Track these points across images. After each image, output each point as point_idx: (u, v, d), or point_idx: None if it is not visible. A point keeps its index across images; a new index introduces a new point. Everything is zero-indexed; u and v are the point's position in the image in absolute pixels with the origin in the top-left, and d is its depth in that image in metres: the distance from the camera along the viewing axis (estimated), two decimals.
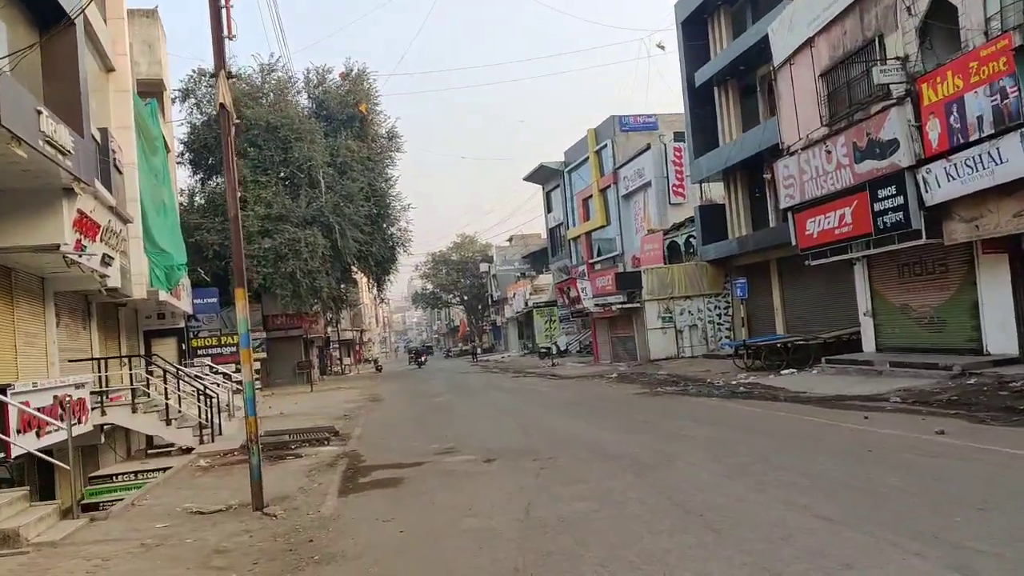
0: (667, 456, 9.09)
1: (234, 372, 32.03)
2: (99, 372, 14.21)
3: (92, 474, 12.54)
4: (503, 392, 22.99)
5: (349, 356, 63.75)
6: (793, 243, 19.06)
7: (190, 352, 29.56)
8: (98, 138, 13.22)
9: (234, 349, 34.52)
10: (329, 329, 49.56)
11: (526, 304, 53.04)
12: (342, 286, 38.16)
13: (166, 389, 14.07)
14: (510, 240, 67.91)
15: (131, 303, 18.65)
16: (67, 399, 10.70)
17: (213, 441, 13.64)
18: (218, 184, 34.53)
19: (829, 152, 16.70)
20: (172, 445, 13.75)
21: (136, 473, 12.10)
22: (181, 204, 33.94)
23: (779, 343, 19.60)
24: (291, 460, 11.48)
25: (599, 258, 41.34)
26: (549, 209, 51.07)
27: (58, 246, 10.27)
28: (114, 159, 13.83)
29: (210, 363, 31.25)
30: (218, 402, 15.08)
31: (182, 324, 27.33)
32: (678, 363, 25.52)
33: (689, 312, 27.67)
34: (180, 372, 15.10)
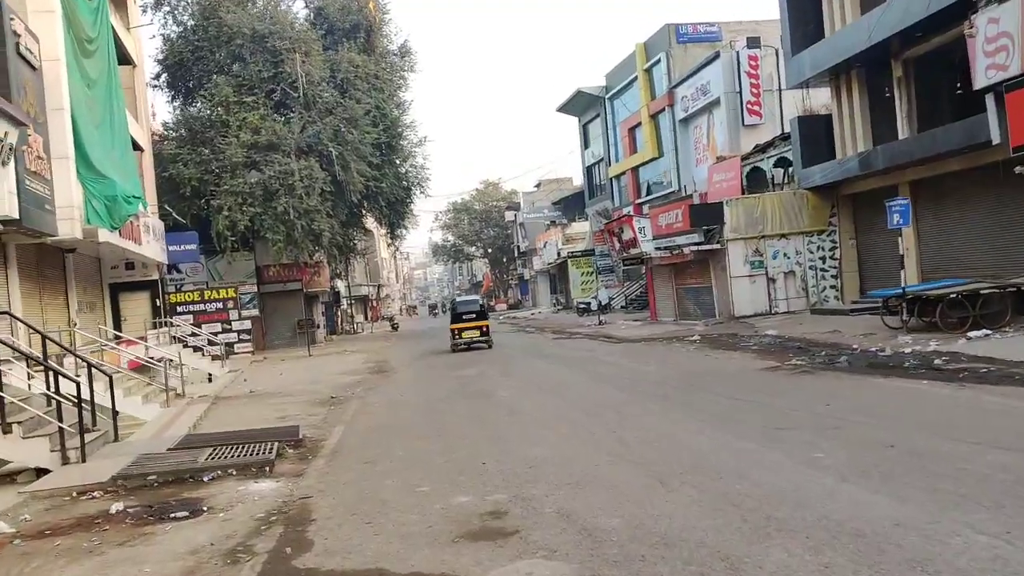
0: None
1: (219, 334, 26.85)
2: None
3: None
4: (553, 363, 17.04)
5: (364, 314, 58.30)
6: (995, 140, 12.74)
7: (167, 309, 24.27)
8: None
9: (220, 305, 29.09)
10: (339, 283, 43.92)
11: (559, 255, 46.91)
12: (349, 231, 32.29)
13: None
14: (538, 185, 61.33)
15: (83, 248, 15.14)
16: None
17: (84, 460, 7.87)
18: (199, 109, 28.56)
19: None
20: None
21: None
22: (159, 135, 28.32)
23: (956, 292, 13.40)
24: (173, 525, 5.65)
25: (648, 198, 35.02)
26: (587, 144, 44.50)
27: None
28: (17, 44, 11.15)
29: (191, 323, 26.25)
30: (109, 385, 9.27)
31: (156, 276, 21.96)
32: (777, 321, 19.42)
33: (785, 255, 21.44)
34: (49, 337, 9.28)
